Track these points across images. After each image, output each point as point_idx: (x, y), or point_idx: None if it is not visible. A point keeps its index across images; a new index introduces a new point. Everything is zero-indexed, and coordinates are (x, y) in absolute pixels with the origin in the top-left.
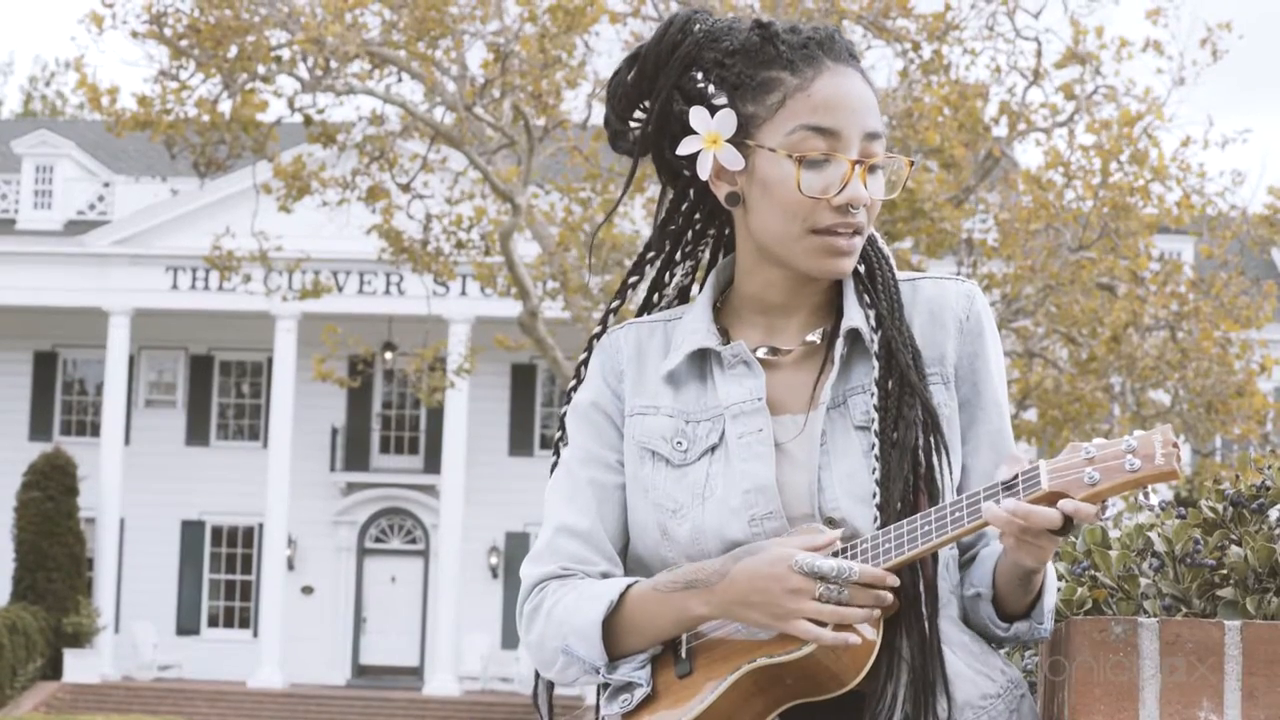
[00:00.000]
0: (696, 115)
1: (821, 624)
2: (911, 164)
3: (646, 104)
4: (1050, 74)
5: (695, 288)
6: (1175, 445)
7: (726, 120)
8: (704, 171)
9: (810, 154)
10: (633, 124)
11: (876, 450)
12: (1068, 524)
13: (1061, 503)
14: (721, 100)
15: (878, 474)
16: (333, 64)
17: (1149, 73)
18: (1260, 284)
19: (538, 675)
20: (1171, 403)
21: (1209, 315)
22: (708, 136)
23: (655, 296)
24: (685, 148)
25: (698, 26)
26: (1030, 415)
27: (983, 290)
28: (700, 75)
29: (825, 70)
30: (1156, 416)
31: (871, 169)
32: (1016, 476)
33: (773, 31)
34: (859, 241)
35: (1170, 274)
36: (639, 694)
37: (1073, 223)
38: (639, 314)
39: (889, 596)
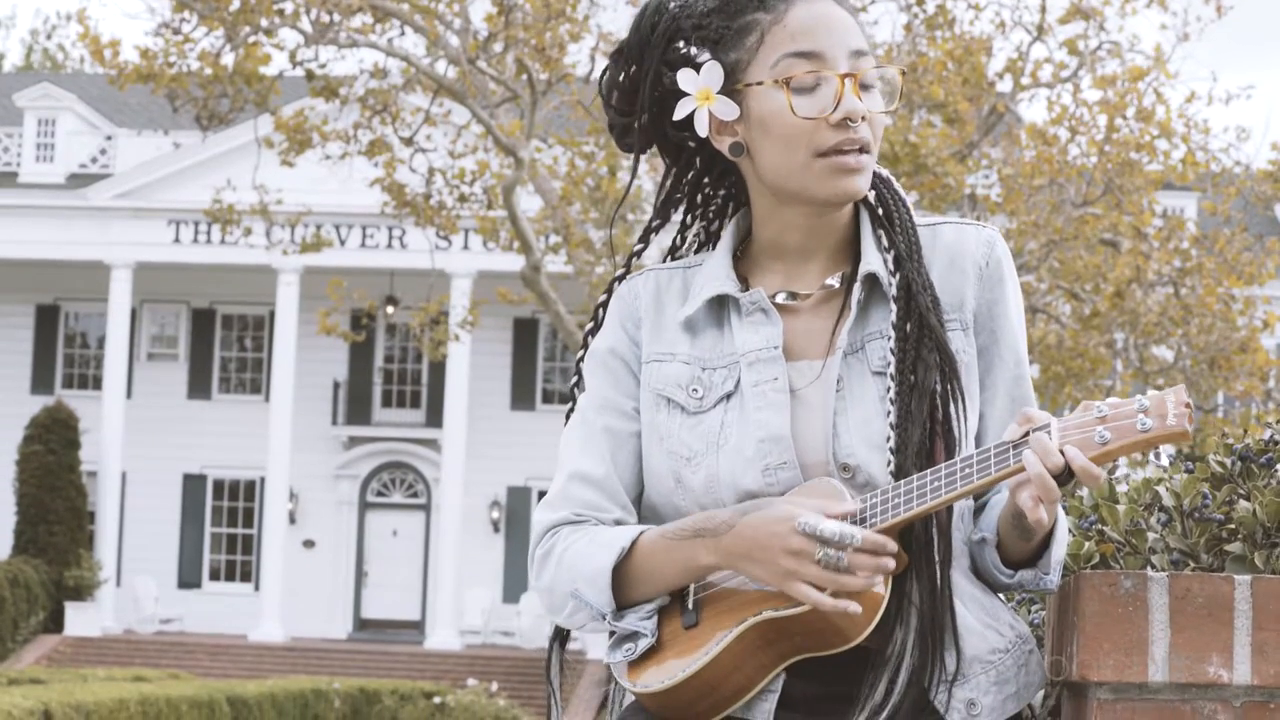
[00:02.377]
0: (684, 77)
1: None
2: (903, 73)
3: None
4: (1054, 29)
5: (711, 245)
6: (1188, 405)
7: (713, 73)
8: (702, 128)
9: (797, 76)
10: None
11: (892, 394)
12: (1068, 473)
13: (1070, 456)
14: (705, 56)
15: (893, 417)
16: (335, 17)
17: (1153, 28)
18: (1264, 240)
19: (551, 640)
20: (1174, 359)
21: (1212, 271)
22: (699, 94)
23: (668, 260)
24: (680, 111)
25: (672, 4)
26: (1033, 371)
27: None
28: (682, 43)
29: (797, 1)
30: (1159, 373)
31: (865, 86)
32: (1028, 434)
33: None
34: (867, 159)
35: (1173, 230)
36: (643, 644)
37: (1076, 178)
38: None
39: (891, 563)
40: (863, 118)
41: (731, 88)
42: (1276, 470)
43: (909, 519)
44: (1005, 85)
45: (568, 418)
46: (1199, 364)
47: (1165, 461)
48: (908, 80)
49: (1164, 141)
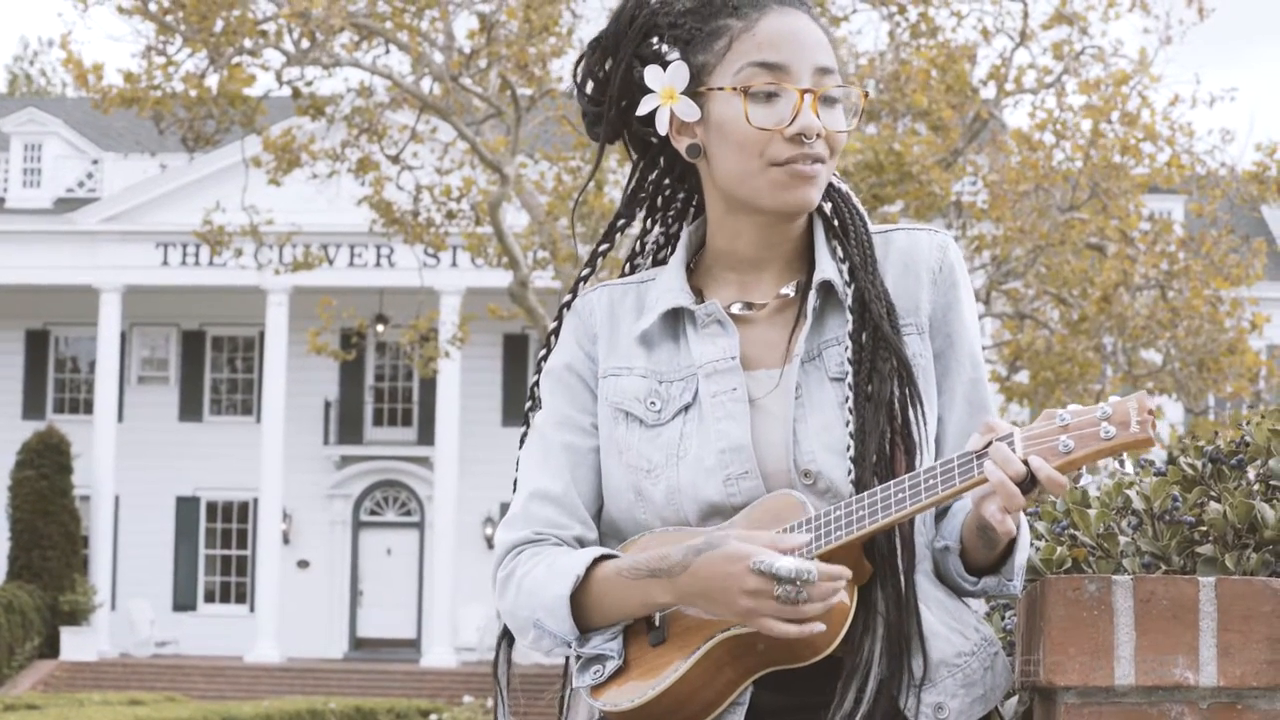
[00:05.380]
0: (651, 73)
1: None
2: (866, 95)
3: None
4: (1037, 35)
5: (670, 252)
6: (1151, 412)
7: (679, 72)
8: (662, 126)
9: (756, 85)
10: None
11: (850, 403)
12: (1033, 481)
13: (1035, 465)
14: (674, 56)
15: (852, 427)
16: (318, 37)
17: (1136, 32)
18: (1250, 241)
19: (499, 639)
20: (1163, 362)
21: (1199, 274)
22: (664, 92)
23: (628, 267)
24: (644, 107)
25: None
26: (1022, 377)
27: (972, 252)
28: (656, 40)
29: (770, 11)
30: (1148, 376)
31: (828, 101)
32: (990, 445)
33: None
34: (821, 169)
35: (1160, 233)
36: (610, 666)
37: (1062, 183)
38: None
39: (843, 587)
40: (819, 135)
41: (695, 90)
42: (1247, 472)
43: (872, 532)
44: (989, 92)
45: (523, 438)
46: (1188, 366)
47: (1130, 467)
48: (892, 88)
49: (1149, 145)
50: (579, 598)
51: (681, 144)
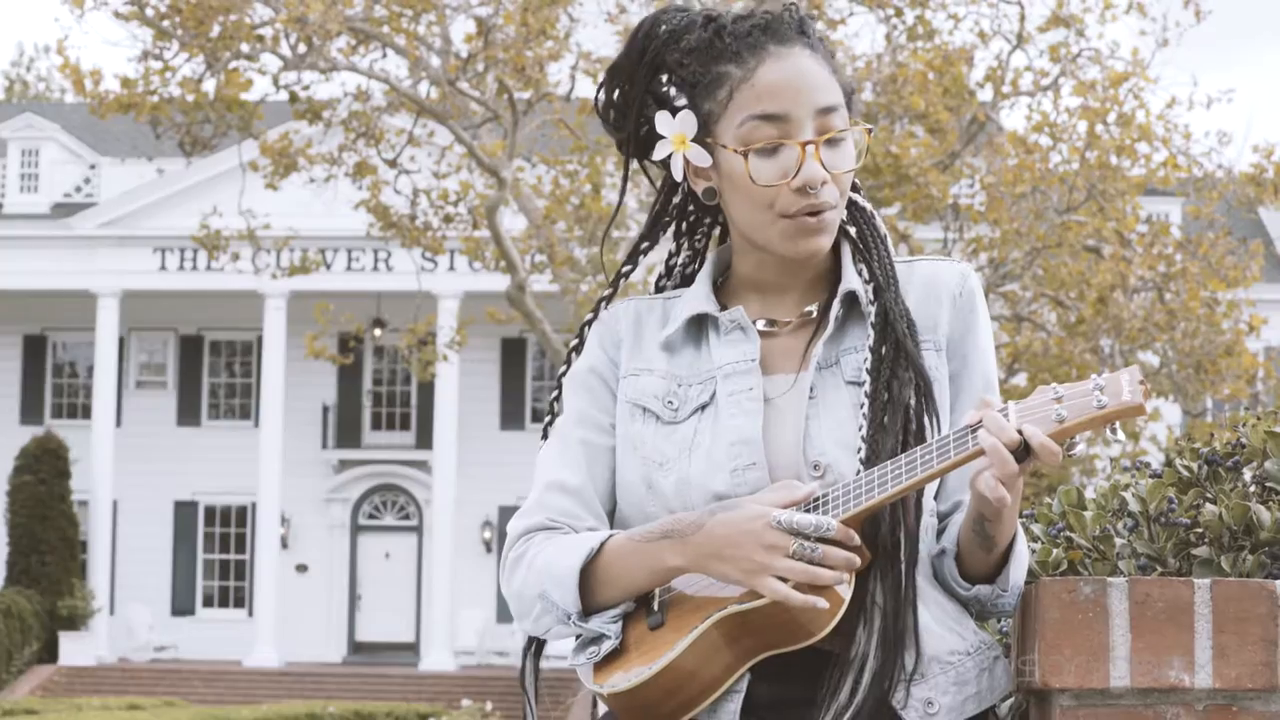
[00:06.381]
0: (661, 119)
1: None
2: (870, 131)
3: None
4: (1034, 38)
5: (697, 266)
6: (1143, 382)
7: (687, 121)
8: (677, 172)
9: (757, 144)
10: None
11: (865, 409)
12: (1027, 450)
13: (1029, 433)
14: (681, 101)
15: (864, 430)
16: (315, 41)
17: (1132, 34)
18: (1247, 243)
19: (525, 649)
20: (1160, 364)
21: (1196, 276)
22: (675, 138)
23: (655, 290)
24: (659, 152)
25: (663, 28)
26: (1020, 380)
27: (970, 254)
28: (665, 78)
29: (768, 56)
30: (1146, 378)
31: (833, 142)
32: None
33: (720, 25)
34: (830, 217)
35: (1157, 235)
36: (607, 646)
37: (1059, 185)
38: None
39: (857, 559)
40: (824, 182)
41: (704, 138)
42: (1243, 474)
43: (872, 507)
44: (986, 94)
45: (544, 435)
46: (1185, 368)
47: (1122, 437)
48: (888, 91)
49: (1144, 145)
50: (589, 575)
51: (698, 187)
